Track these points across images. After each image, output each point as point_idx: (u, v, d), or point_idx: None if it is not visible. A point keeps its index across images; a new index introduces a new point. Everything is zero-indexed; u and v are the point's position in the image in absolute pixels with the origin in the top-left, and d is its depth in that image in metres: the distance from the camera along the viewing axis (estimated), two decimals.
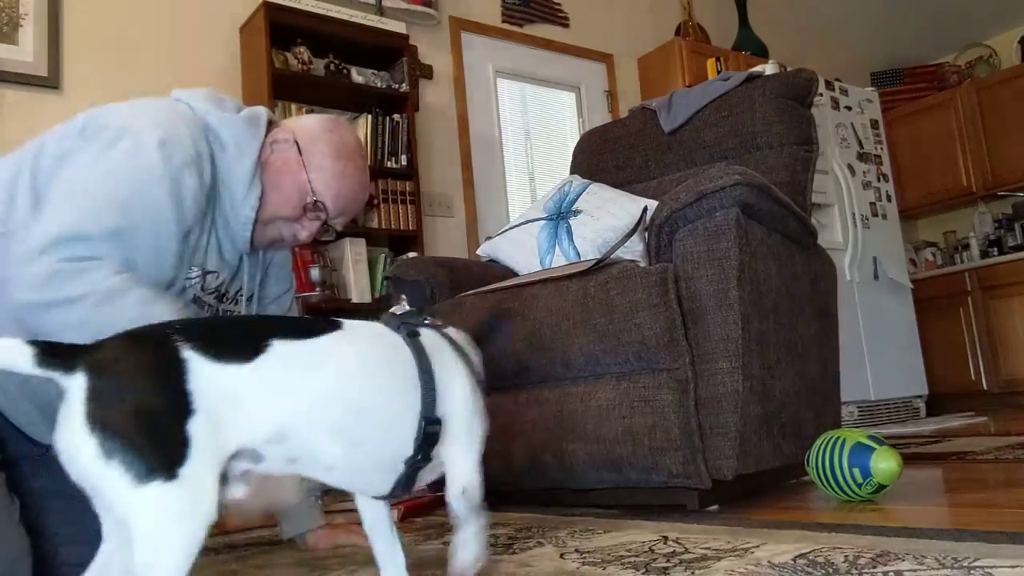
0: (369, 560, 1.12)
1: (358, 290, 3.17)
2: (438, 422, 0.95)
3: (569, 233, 2.10)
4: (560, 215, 2.17)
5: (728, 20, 5.09)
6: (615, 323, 1.64)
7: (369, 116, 3.36)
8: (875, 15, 5.74)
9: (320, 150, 1.30)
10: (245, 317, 1.28)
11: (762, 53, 4.80)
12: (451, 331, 1.08)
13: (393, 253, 3.36)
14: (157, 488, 0.71)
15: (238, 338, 0.83)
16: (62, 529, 1.35)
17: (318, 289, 2.99)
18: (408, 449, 0.93)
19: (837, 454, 1.56)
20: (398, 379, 0.94)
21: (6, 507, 1.19)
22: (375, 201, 3.27)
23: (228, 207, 1.27)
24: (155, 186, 1.14)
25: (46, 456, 1.36)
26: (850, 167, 4.34)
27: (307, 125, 1.35)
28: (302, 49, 3.29)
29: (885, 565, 0.95)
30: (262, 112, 1.34)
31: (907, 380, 4.37)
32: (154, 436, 0.72)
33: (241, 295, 1.39)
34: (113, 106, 1.23)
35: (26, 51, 2.90)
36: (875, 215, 4.41)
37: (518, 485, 1.86)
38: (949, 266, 5.66)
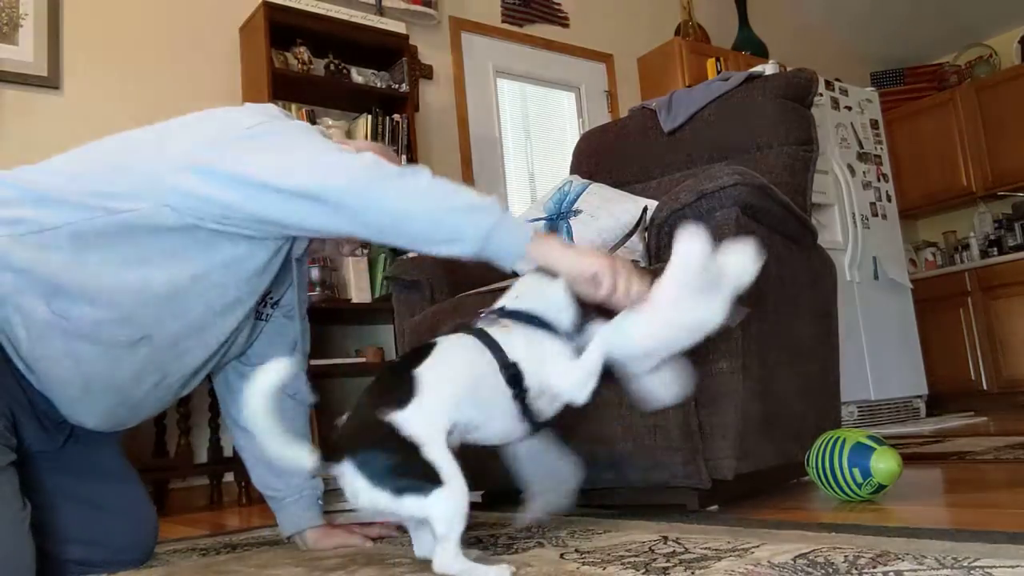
0: (369, 560, 1.12)
1: (358, 290, 3.16)
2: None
3: (569, 233, 2.10)
4: (560, 215, 2.16)
5: (728, 20, 5.09)
6: None
7: (369, 116, 3.36)
8: (875, 15, 5.74)
9: None
10: None
11: (762, 53, 4.80)
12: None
13: (393, 253, 3.36)
14: None
15: None
16: (70, 529, 1.37)
17: (318, 289, 2.99)
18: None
19: (837, 454, 1.56)
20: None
21: (16, 512, 1.20)
22: None
23: None
24: None
25: (61, 452, 1.38)
26: (850, 167, 4.33)
27: (360, 149, 1.44)
28: (302, 49, 3.29)
29: (885, 565, 0.95)
30: (321, 130, 1.43)
31: (907, 380, 4.37)
32: None
33: (271, 298, 1.46)
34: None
35: (26, 51, 2.90)
36: (875, 215, 4.41)
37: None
38: (949, 266, 5.66)
